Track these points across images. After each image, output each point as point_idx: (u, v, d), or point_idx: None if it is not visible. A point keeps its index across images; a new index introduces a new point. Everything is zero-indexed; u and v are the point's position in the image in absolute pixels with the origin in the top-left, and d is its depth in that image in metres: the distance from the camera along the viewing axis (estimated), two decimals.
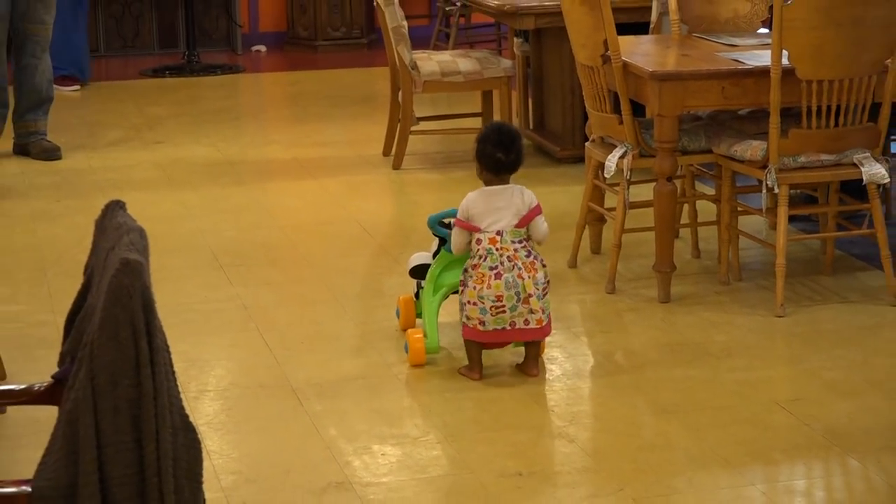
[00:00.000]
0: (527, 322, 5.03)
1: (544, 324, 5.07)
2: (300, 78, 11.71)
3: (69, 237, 6.95)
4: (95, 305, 2.68)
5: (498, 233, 5.03)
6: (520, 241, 5.05)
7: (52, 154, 8.65)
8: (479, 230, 5.04)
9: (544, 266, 5.10)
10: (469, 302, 5.02)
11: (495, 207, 5.08)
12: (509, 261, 5.00)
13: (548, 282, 5.10)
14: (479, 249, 5.02)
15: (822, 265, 6.27)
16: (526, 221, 5.08)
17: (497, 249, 5.00)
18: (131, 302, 2.59)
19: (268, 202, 7.78)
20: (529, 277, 5.01)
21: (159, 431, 2.62)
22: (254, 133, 9.65)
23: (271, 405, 4.97)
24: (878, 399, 4.92)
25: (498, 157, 5.15)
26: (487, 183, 5.16)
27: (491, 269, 4.99)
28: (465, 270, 5.07)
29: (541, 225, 5.12)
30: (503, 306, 4.99)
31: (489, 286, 4.98)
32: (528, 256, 5.04)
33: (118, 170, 8.43)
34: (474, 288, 5.00)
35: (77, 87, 11.11)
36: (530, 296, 5.01)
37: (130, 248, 2.68)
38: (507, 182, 5.17)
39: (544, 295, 5.06)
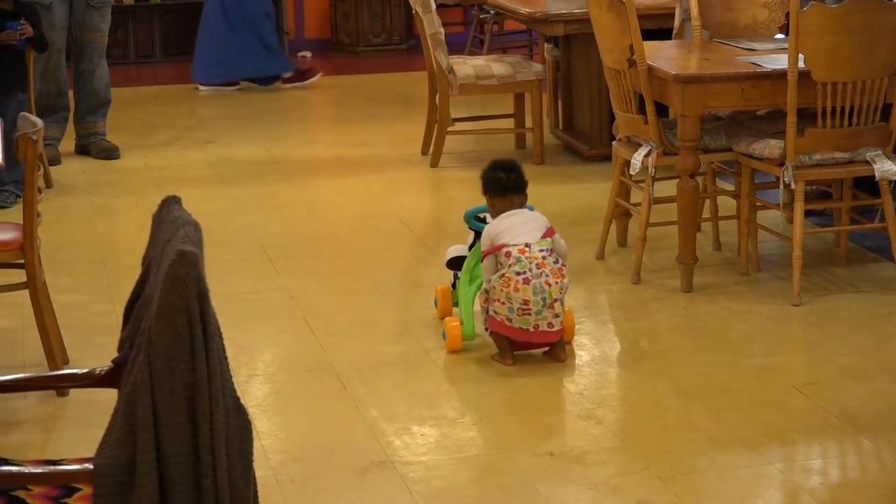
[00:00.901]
0: (550, 325, 5.03)
1: (562, 325, 5.09)
2: (343, 82, 11.71)
3: (127, 231, 6.97)
4: (153, 294, 2.68)
5: (526, 245, 5.03)
6: (547, 250, 5.04)
7: (111, 153, 8.68)
8: (506, 246, 5.04)
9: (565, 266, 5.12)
10: (497, 300, 5.02)
11: (517, 224, 5.10)
12: (538, 268, 4.99)
13: (567, 283, 5.12)
14: (508, 260, 5.02)
15: (836, 257, 6.24)
16: (549, 234, 5.09)
17: (526, 257, 5.00)
18: (187, 291, 2.59)
19: (312, 198, 7.78)
20: (556, 283, 5.01)
21: (213, 413, 2.63)
22: (299, 133, 9.65)
23: (316, 388, 4.97)
24: (889, 383, 4.89)
25: (500, 176, 5.20)
26: (501, 210, 5.17)
27: (518, 273, 4.98)
28: (488, 285, 5.07)
29: (560, 241, 5.16)
30: (529, 310, 4.99)
31: (516, 289, 4.98)
32: (555, 263, 5.04)
33: (172, 168, 8.44)
34: (503, 290, 5.00)
35: (319, 74, 11.38)
36: (556, 300, 5.01)
37: (186, 240, 2.69)
38: (519, 206, 5.19)
39: (563, 293, 5.07)
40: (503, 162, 5.29)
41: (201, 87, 11.14)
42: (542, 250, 5.03)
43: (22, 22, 7.72)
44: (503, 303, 5.00)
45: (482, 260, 5.15)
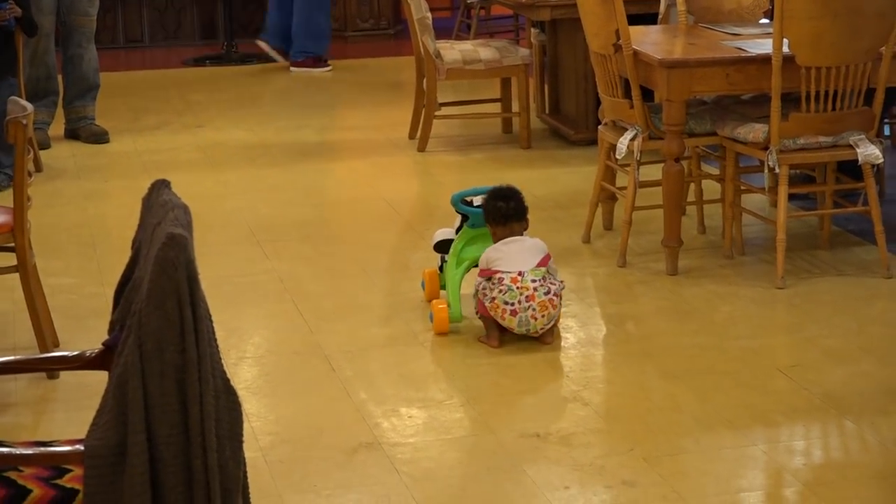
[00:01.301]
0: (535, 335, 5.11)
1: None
2: (331, 66, 11.70)
3: (117, 215, 6.97)
4: (143, 277, 2.68)
5: (520, 273, 5.04)
6: (540, 279, 5.05)
7: (100, 137, 8.67)
8: (500, 272, 5.06)
9: (562, 290, 5.14)
10: (488, 308, 5.06)
11: (514, 252, 5.12)
12: (527, 300, 5.01)
13: (560, 300, 5.13)
14: (499, 285, 5.04)
15: (820, 240, 6.25)
16: (544, 263, 5.10)
17: (517, 288, 5.01)
18: (176, 273, 2.59)
19: (301, 182, 7.77)
20: (543, 317, 5.04)
21: (203, 394, 2.63)
22: (287, 118, 9.63)
23: (305, 371, 4.98)
24: (871, 365, 4.91)
25: (499, 206, 5.22)
26: (502, 237, 5.20)
27: (507, 303, 5.02)
28: (483, 293, 5.09)
29: (553, 267, 5.20)
30: (512, 329, 5.07)
31: (503, 317, 5.04)
32: (546, 295, 5.04)
33: (162, 152, 8.44)
34: (492, 310, 5.05)
35: (329, 67, 11.34)
36: (539, 329, 5.06)
37: (175, 223, 2.69)
38: (519, 233, 5.21)
39: (552, 318, 5.10)
40: (502, 190, 5.29)
41: (293, 69, 11.34)
42: (534, 280, 5.04)
43: (10, 3, 7.70)
44: (491, 313, 5.07)
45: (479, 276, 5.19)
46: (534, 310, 5.02)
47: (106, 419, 2.65)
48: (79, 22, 8.64)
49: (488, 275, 5.10)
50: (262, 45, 11.63)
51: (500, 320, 5.06)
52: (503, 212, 5.21)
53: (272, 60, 11.80)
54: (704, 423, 4.45)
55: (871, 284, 5.75)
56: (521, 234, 5.23)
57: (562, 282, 5.18)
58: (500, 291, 5.03)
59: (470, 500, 4.01)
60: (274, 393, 4.83)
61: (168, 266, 2.58)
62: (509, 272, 5.05)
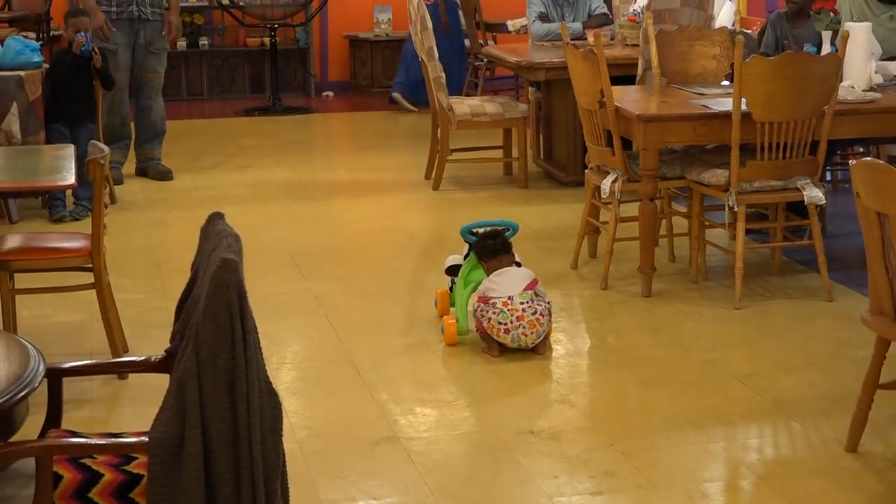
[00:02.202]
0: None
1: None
2: (360, 117, 11.71)
3: (178, 240, 6.96)
4: (200, 295, 2.68)
5: (509, 297, 5.03)
6: (528, 302, 5.04)
7: (165, 175, 8.67)
8: (492, 298, 5.06)
9: (549, 309, 5.11)
10: (485, 328, 5.05)
11: (504, 281, 5.12)
12: (517, 320, 5.01)
13: (549, 318, 5.11)
14: (492, 309, 5.03)
15: (772, 269, 6.23)
16: (531, 287, 5.10)
17: (508, 309, 5.01)
18: (229, 292, 2.58)
19: (333, 215, 7.77)
20: (532, 333, 5.03)
21: (249, 395, 2.62)
22: (323, 160, 9.64)
23: (336, 375, 4.96)
24: (815, 375, 4.89)
25: (487, 244, 5.26)
26: (493, 269, 5.20)
27: (500, 323, 5.02)
28: (480, 316, 5.08)
29: (541, 290, 5.18)
30: (507, 346, 5.05)
31: (497, 336, 5.04)
32: (533, 315, 5.03)
33: (216, 188, 8.43)
34: (489, 329, 5.04)
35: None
36: (530, 344, 5.05)
37: (229, 249, 2.68)
38: (508, 265, 5.20)
39: (542, 335, 5.08)
40: (488, 232, 5.34)
41: (394, 95, 11.49)
42: (522, 302, 5.03)
43: (94, 47, 7.69)
44: (488, 330, 5.06)
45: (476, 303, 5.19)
46: (524, 328, 5.01)
47: (167, 415, 2.64)
48: (149, 77, 8.66)
49: (485, 301, 5.09)
50: (398, 97, 11.60)
51: (495, 338, 5.04)
52: (491, 247, 5.24)
53: (311, 111, 11.82)
54: (673, 423, 4.43)
55: (815, 306, 5.72)
56: (510, 266, 5.21)
57: (549, 301, 5.16)
58: (494, 313, 5.02)
59: (474, 486, 3.99)
60: (309, 393, 4.82)
61: (222, 286, 2.58)
62: (500, 297, 5.05)
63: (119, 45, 8.32)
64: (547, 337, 5.14)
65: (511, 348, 5.07)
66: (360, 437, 4.32)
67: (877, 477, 4.01)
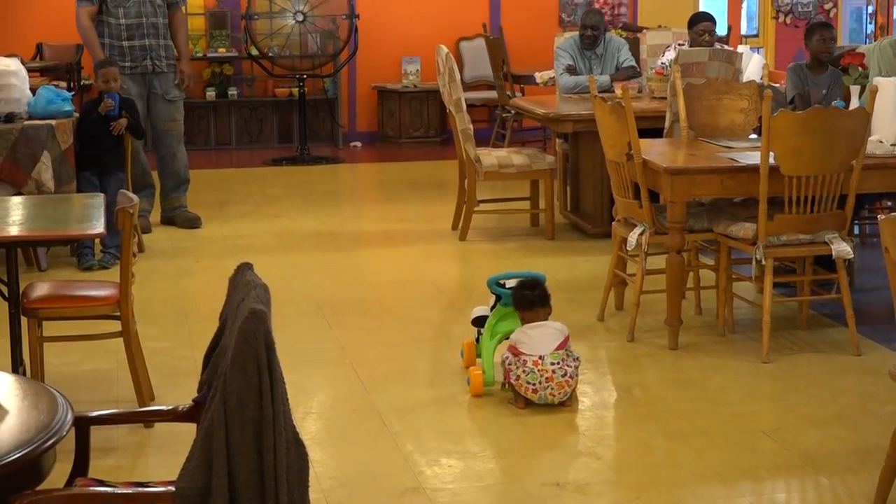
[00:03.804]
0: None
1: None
2: (387, 168, 11.76)
3: (206, 290, 6.99)
4: (228, 345, 2.69)
5: (540, 357, 5.03)
6: (558, 363, 5.03)
7: (193, 223, 8.72)
8: (524, 354, 5.05)
9: (577, 365, 5.11)
10: (514, 384, 5.06)
11: (537, 336, 5.11)
12: (546, 381, 5.00)
13: (577, 375, 5.11)
14: (522, 366, 5.03)
15: (799, 322, 6.21)
16: (563, 346, 5.09)
17: (539, 370, 5.00)
18: (257, 343, 2.60)
19: (360, 265, 7.79)
20: (561, 393, 5.03)
21: (276, 446, 2.62)
22: (350, 210, 9.68)
23: (361, 425, 4.96)
24: (843, 430, 4.86)
25: (525, 294, 5.23)
26: (529, 321, 5.19)
27: (529, 383, 5.02)
28: (509, 368, 5.08)
29: (571, 350, 5.17)
30: (533, 402, 5.06)
31: (525, 393, 5.03)
32: (563, 376, 5.03)
33: (244, 237, 8.47)
34: (517, 387, 5.04)
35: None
36: (556, 403, 5.04)
37: (257, 300, 2.70)
38: (545, 318, 5.20)
39: (574, 377, 5.07)
40: (528, 281, 5.30)
41: None
42: (553, 363, 5.03)
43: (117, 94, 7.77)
44: (518, 387, 5.06)
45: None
46: (552, 389, 5.01)
47: (194, 464, 2.65)
48: (168, 127, 8.72)
49: (514, 352, 5.09)
50: None
51: (523, 395, 5.04)
52: (528, 299, 5.21)
53: (339, 161, 11.87)
54: (700, 477, 4.41)
55: (843, 361, 5.70)
56: (546, 318, 5.21)
57: (578, 358, 5.15)
58: (524, 372, 5.02)
59: None
60: (335, 444, 4.81)
61: (250, 336, 2.59)
62: (531, 356, 5.04)
63: (134, 97, 8.38)
64: (574, 390, 5.13)
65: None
66: (385, 488, 4.31)
67: None
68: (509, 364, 5.08)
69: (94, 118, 7.72)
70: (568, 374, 5.02)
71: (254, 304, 2.62)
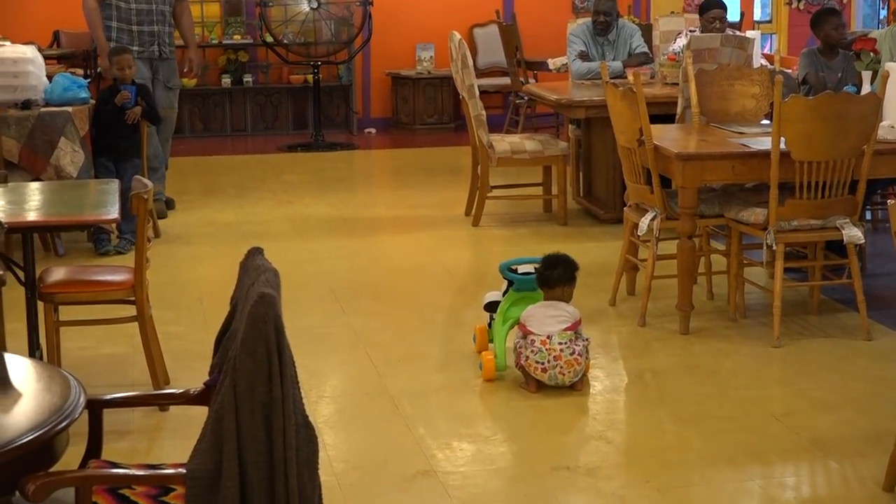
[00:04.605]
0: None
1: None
2: (401, 154, 11.76)
3: (220, 275, 6.99)
4: (238, 329, 2.69)
5: (548, 337, 5.03)
6: (566, 342, 5.03)
7: (161, 214, 8.58)
8: (532, 333, 5.05)
9: (587, 348, 5.10)
10: (524, 365, 5.05)
11: (548, 316, 5.10)
12: (555, 360, 5.00)
13: (586, 355, 5.10)
14: (531, 346, 5.03)
15: (810, 307, 6.20)
16: (573, 328, 5.08)
17: (546, 349, 5.00)
18: (266, 327, 2.60)
19: (373, 250, 7.79)
20: (570, 373, 5.02)
21: (286, 428, 2.63)
22: (364, 196, 9.68)
23: (374, 409, 4.96)
24: (853, 414, 4.85)
25: (546, 274, 5.20)
26: (549, 298, 5.19)
27: (538, 363, 5.01)
28: (520, 350, 5.08)
29: (581, 332, 5.16)
30: (544, 386, 5.04)
31: (535, 372, 5.03)
32: (571, 355, 5.02)
33: (259, 223, 8.48)
34: (527, 367, 5.04)
35: None
36: (566, 383, 5.03)
37: (266, 284, 2.70)
38: (563, 299, 5.18)
39: (579, 373, 5.05)
40: (551, 258, 5.25)
41: None
42: (560, 343, 5.02)
43: (138, 98, 7.78)
44: (527, 368, 5.05)
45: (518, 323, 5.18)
46: (561, 367, 5.00)
47: (205, 447, 2.66)
48: (165, 113, 8.62)
49: (524, 331, 5.09)
50: None
51: (533, 375, 5.04)
52: (548, 279, 5.20)
53: (353, 147, 11.87)
54: (709, 461, 4.40)
55: (853, 346, 5.68)
56: (569, 297, 5.20)
57: (587, 339, 5.15)
58: (532, 352, 5.02)
59: None
60: (347, 427, 4.82)
61: (259, 320, 2.59)
62: (539, 335, 5.04)
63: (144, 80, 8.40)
64: (585, 374, 5.13)
65: (549, 385, 5.06)
66: (397, 471, 4.32)
67: None
68: (519, 347, 5.08)
69: (110, 107, 7.72)
70: (576, 353, 5.02)
71: (263, 288, 2.63)
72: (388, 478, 4.27)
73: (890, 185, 7.29)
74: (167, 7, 8.67)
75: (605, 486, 4.18)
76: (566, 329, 5.06)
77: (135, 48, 8.45)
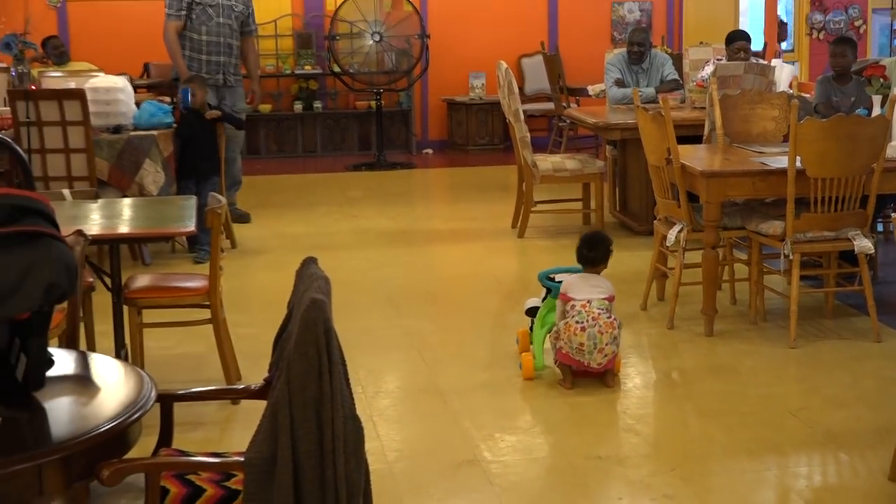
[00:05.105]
0: (599, 364, 4.99)
1: (608, 362, 5.01)
2: (455, 172, 11.75)
3: (289, 282, 6.88)
4: (292, 331, 2.69)
5: (588, 301, 4.99)
6: (604, 309, 4.99)
7: (243, 218, 8.74)
8: (573, 299, 5.01)
9: (620, 326, 5.04)
10: (562, 339, 4.99)
11: (587, 286, 5.07)
12: (593, 320, 4.95)
13: (619, 332, 5.04)
14: (571, 311, 4.98)
15: (825, 312, 6.12)
16: (610, 299, 5.04)
17: (586, 311, 4.96)
18: (317, 329, 2.59)
19: (428, 259, 7.79)
20: (607, 333, 4.96)
21: (334, 420, 2.62)
22: (421, 210, 9.68)
23: (424, 403, 4.95)
24: (863, 410, 4.78)
25: (584, 252, 5.17)
26: (588, 273, 5.16)
27: (578, 322, 4.96)
28: (557, 327, 5.03)
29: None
30: (583, 350, 4.96)
31: (575, 333, 4.96)
32: (608, 318, 4.98)
33: (326, 235, 8.50)
34: (566, 333, 4.98)
35: None
36: (605, 345, 4.96)
37: (318, 291, 2.69)
38: (598, 273, 5.15)
39: (615, 340, 4.99)
40: (591, 237, 5.23)
41: None
42: (599, 307, 4.99)
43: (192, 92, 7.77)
44: (566, 342, 4.97)
45: (557, 304, 5.12)
46: (600, 327, 4.95)
47: (261, 437, 2.65)
48: (231, 134, 8.67)
49: (565, 299, 5.05)
50: None
51: (573, 336, 4.94)
52: (587, 257, 5.18)
53: (412, 167, 11.88)
54: (730, 452, 4.35)
55: (865, 347, 5.60)
56: (600, 273, 5.17)
57: (620, 322, 5.10)
58: (572, 315, 4.98)
59: None
60: (400, 419, 4.81)
61: (310, 323, 2.59)
62: (580, 300, 5.00)
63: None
64: (617, 363, 5.09)
65: (584, 381, 5.01)
66: (444, 460, 4.30)
67: None
68: (556, 330, 5.02)
69: (185, 114, 7.70)
70: (613, 318, 4.98)
71: (314, 294, 2.62)
72: (437, 466, 4.25)
73: None
74: (234, 41, 8.73)
75: (634, 474, 4.14)
76: (604, 299, 5.03)
77: (203, 75, 8.52)
